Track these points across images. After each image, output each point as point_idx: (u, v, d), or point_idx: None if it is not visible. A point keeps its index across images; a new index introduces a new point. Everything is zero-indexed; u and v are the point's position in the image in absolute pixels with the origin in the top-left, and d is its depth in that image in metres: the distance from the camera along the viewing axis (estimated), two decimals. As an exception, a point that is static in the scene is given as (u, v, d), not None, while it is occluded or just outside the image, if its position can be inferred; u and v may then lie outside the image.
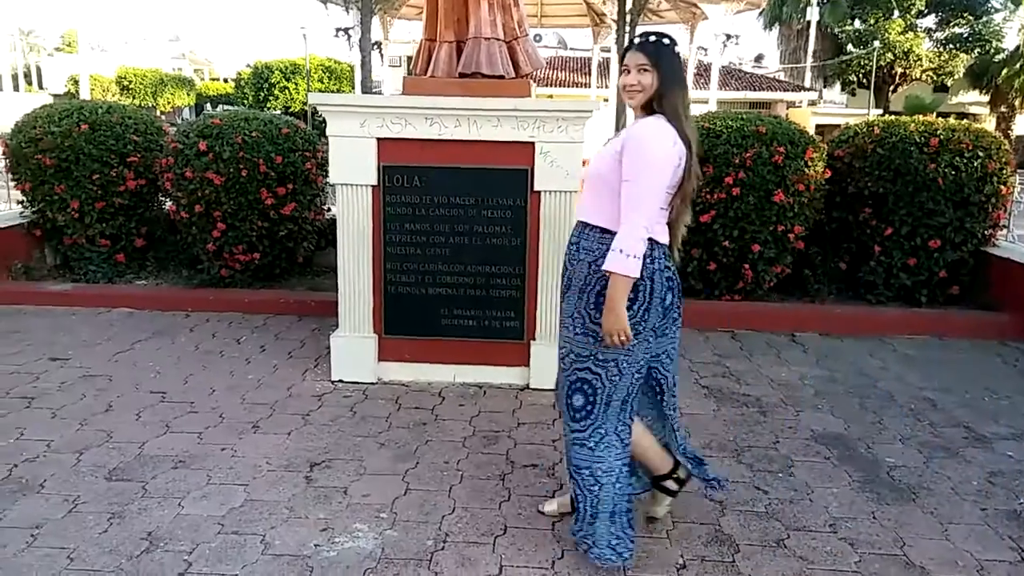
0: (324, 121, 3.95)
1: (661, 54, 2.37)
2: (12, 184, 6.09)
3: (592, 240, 2.44)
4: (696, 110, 7.14)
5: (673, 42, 2.41)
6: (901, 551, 2.69)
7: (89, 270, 5.89)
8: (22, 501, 2.88)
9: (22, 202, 6.02)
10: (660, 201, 2.36)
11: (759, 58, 51.76)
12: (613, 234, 2.34)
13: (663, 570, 2.56)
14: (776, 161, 5.20)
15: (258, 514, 2.83)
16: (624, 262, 2.28)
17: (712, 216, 5.29)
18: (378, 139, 3.90)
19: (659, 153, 2.31)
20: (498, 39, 4.10)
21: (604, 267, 2.32)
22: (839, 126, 6.53)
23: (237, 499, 2.94)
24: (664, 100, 2.37)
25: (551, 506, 2.89)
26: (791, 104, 29.50)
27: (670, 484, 2.73)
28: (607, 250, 2.33)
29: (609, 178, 2.38)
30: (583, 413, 2.50)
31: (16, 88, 38.02)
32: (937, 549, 2.71)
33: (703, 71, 24.56)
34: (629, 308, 2.35)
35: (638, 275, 2.30)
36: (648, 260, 2.35)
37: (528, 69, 4.20)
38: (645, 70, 2.37)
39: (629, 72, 2.40)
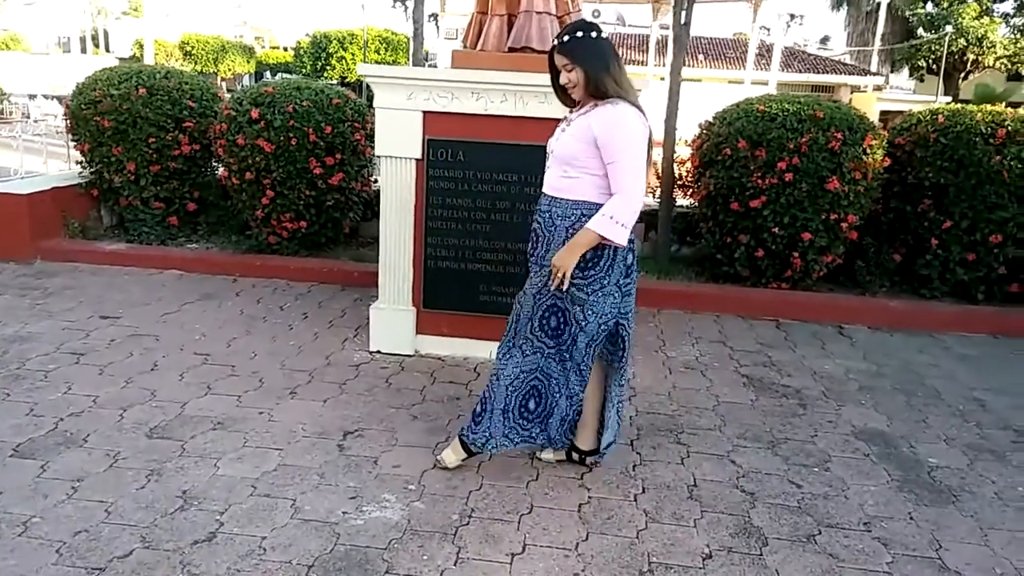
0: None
1: (576, 49, 2.62)
2: (72, 144, 6.25)
3: (566, 208, 2.70)
4: (755, 92, 6.95)
5: (587, 32, 2.63)
6: (936, 554, 2.62)
7: (143, 231, 6.03)
8: (65, 454, 2.98)
9: (81, 162, 6.18)
10: (645, 174, 2.65)
11: (825, 40, 50.32)
12: (585, 204, 2.65)
13: (688, 558, 2.53)
14: (833, 147, 5.04)
15: (290, 479, 2.89)
16: (612, 227, 2.58)
17: (763, 202, 5.17)
18: (424, 112, 3.89)
19: (636, 132, 2.60)
20: (550, 13, 4.04)
21: (591, 227, 2.59)
22: (905, 112, 6.30)
23: (271, 463, 3.00)
24: (599, 86, 2.61)
25: (548, 454, 3.11)
26: (856, 88, 28.56)
27: (574, 456, 3.08)
28: (581, 215, 2.65)
29: (586, 163, 2.64)
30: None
31: (84, 51, 39.04)
32: (974, 554, 2.63)
33: (765, 52, 23.94)
34: (596, 265, 2.67)
35: (624, 244, 2.63)
36: None
37: (579, 45, 4.12)
38: (570, 69, 2.65)
39: (560, 73, 2.70)
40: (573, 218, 2.68)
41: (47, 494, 2.70)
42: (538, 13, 4.00)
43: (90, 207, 6.27)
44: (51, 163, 7.46)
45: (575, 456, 3.07)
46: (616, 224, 2.58)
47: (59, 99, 20.35)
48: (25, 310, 4.61)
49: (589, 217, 2.62)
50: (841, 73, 29.79)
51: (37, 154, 7.66)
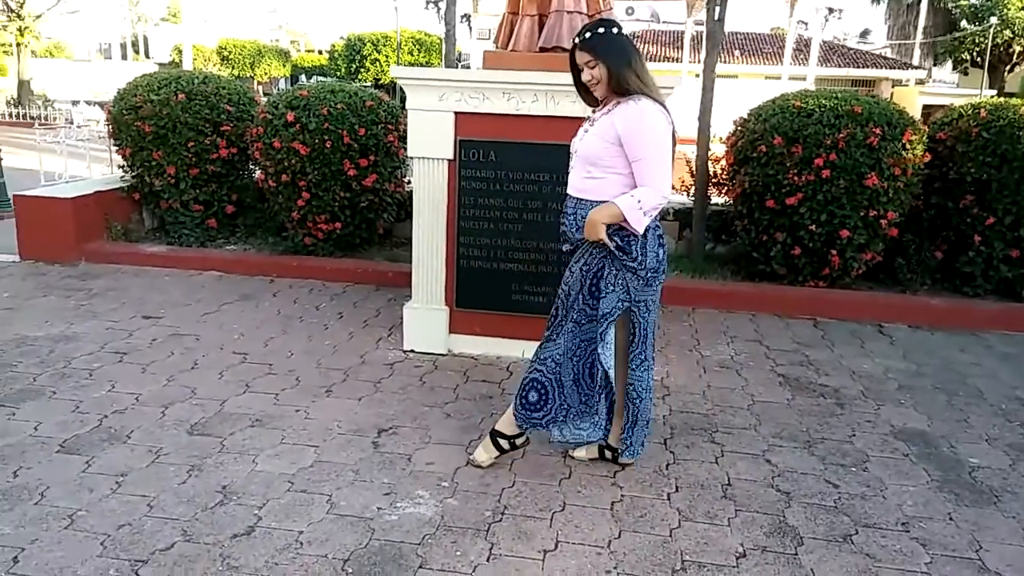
0: (406, 94, 4.00)
1: (598, 45, 2.64)
2: (114, 149, 6.41)
3: (591, 209, 2.69)
4: (792, 87, 6.85)
5: (608, 28, 2.66)
6: (976, 555, 2.57)
7: (183, 234, 6.16)
8: (109, 450, 3.06)
9: (123, 167, 6.33)
10: (671, 170, 2.66)
11: (865, 33, 49.40)
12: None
13: (722, 557, 2.52)
14: (871, 143, 4.96)
15: (326, 475, 2.93)
16: (636, 212, 2.59)
17: (799, 199, 5.10)
18: (456, 113, 3.92)
19: (660, 129, 2.61)
20: (581, 12, 4.04)
21: (617, 202, 2.60)
22: (947, 106, 6.17)
23: (307, 459, 3.04)
24: (622, 82, 2.62)
25: (580, 452, 3.11)
26: (897, 82, 28.01)
27: (607, 454, 3.08)
28: None
29: (612, 162, 2.66)
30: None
31: (124, 57, 39.88)
32: (1016, 555, 2.57)
33: (803, 46, 23.58)
34: (628, 253, 2.68)
35: (640, 231, 2.63)
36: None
37: (610, 44, 4.11)
38: (592, 65, 2.67)
39: (583, 70, 2.71)
40: None
41: (92, 488, 2.78)
42: (569, 12, 4.00)
43: (132, 210, 6.41)
44: (94, 167, 7.65)
45: (607, 454, 3.07)
46: (639, 209, 2.59)
47: (101, 105, 20.82)
48: (70, 311, 4.74)
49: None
50: (882, 67, 29.20)
51: (80, 159, 7.86)
